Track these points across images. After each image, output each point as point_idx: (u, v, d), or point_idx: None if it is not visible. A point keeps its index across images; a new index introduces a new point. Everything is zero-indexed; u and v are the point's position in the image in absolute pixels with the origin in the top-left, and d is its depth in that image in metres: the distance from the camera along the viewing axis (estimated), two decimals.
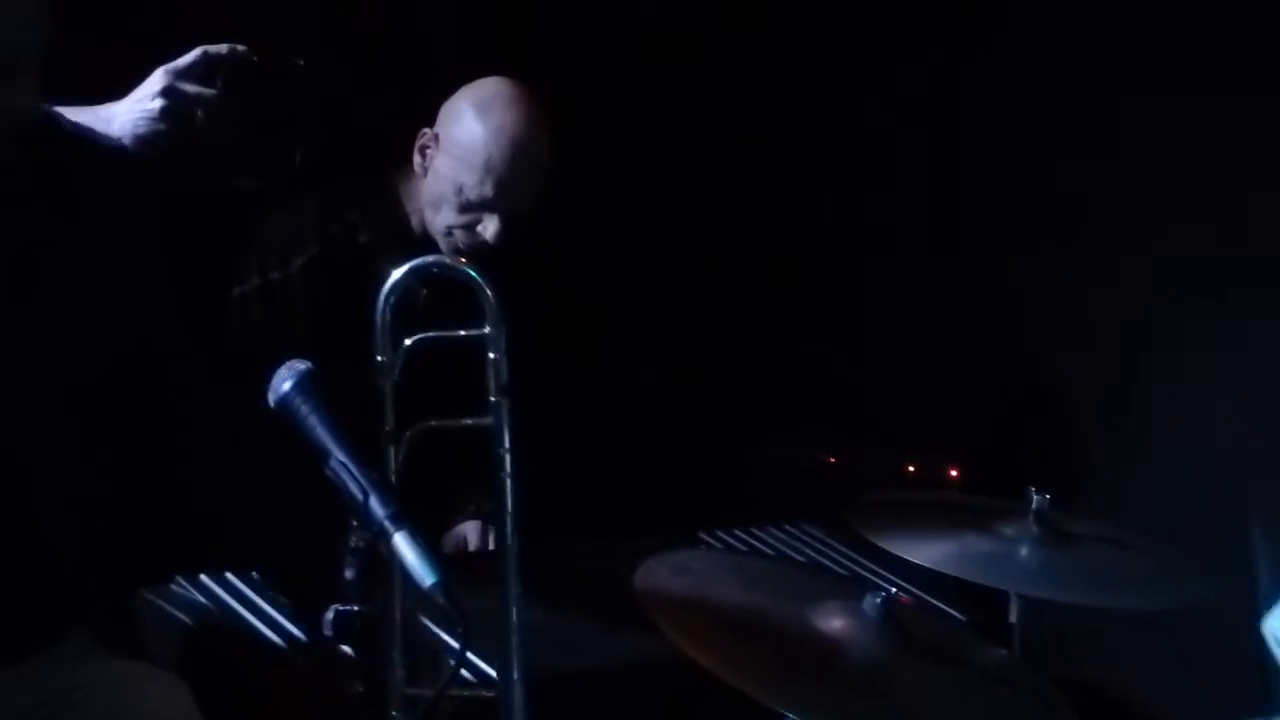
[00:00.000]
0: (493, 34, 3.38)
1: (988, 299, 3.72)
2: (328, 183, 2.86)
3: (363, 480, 1.54)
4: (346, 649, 1.55)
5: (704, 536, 2.69)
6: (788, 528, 2.80)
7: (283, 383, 1.64)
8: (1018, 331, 3.67)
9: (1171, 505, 3.07)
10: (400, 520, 1.50)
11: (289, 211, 2.81)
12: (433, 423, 1.80)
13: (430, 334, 1.86)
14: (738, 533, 2.75)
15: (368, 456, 1.57)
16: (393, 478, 1.75)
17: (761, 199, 3.85)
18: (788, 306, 3.88)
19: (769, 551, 2.69)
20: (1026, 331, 3.66)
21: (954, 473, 3.37)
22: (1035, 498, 2.25)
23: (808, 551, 2.72)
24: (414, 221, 2.86)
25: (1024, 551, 2.22)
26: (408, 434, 1.77)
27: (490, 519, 2.82)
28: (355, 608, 1.52)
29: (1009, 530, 2.26)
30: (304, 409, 1.60)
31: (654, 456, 3.67)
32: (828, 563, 2.68)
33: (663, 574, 1.97)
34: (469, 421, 1.84)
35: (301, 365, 1.65)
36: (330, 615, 1.51)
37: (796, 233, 3.89)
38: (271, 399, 1.64)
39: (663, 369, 3.74)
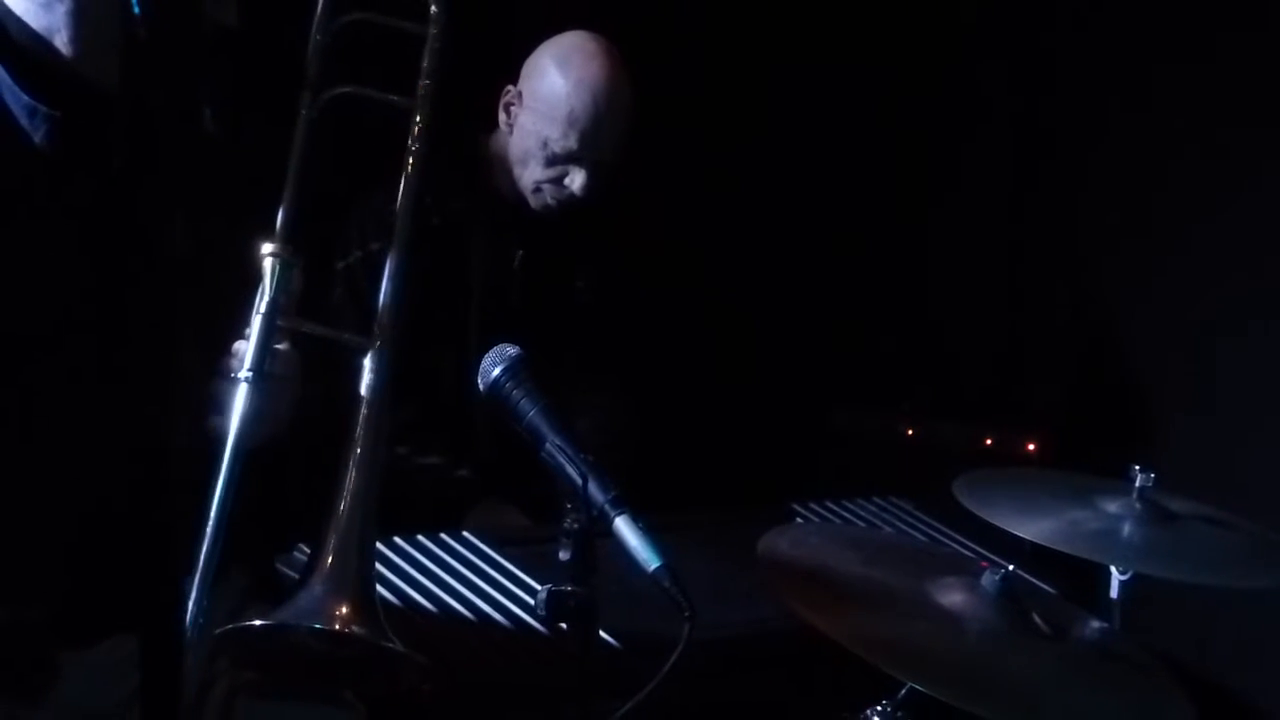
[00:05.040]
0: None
1: (1067, 276, 3.74)
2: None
3: (580, 464, 1.55)
4: (542, 628, 1.54)
5: (797, 509, 2.71)
6: (876, 500, 2.82)
7: (493, 368, 1.64)
8: (1105, 309, 3.67)
9: (1260, 485, 3.09)
10: (621, 504, 1.52)
11: (383, 182, 2.83)
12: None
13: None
14: (829, 504, 2.77)
15: (580, 439, 1.58)
16: None
17: (842, 176, 3.86)
18: (863, 282, 3.90)
19: (859, 524, 2.71)
20: (1114, 310, 3.66)
21: (1031, 446, 3.39)
22: (1139, 476, 2.28)
23: (896, 524, 2.75)
24: (503, 184, 2.89)
25: (1127, 528, 2.25)
26: None
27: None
28: (569, 588, 1.53)
29: (1111, 507, 2.29)
30: (516, 394, 1.61)
31: (735, 433, 3.69)
32: (918, 535, 2.70)
33: (783, 546, 2.01)
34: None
35: (511, 350, 1.66)
36: (544, 594, 1.52)
37: (874, 208, 3.90)
38: (481, 384, 1.65)
39: (739, 347, 3.76)
